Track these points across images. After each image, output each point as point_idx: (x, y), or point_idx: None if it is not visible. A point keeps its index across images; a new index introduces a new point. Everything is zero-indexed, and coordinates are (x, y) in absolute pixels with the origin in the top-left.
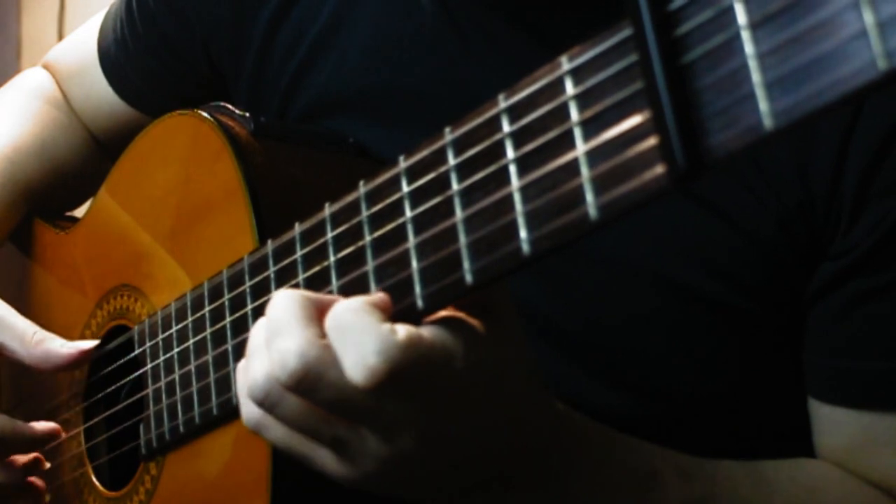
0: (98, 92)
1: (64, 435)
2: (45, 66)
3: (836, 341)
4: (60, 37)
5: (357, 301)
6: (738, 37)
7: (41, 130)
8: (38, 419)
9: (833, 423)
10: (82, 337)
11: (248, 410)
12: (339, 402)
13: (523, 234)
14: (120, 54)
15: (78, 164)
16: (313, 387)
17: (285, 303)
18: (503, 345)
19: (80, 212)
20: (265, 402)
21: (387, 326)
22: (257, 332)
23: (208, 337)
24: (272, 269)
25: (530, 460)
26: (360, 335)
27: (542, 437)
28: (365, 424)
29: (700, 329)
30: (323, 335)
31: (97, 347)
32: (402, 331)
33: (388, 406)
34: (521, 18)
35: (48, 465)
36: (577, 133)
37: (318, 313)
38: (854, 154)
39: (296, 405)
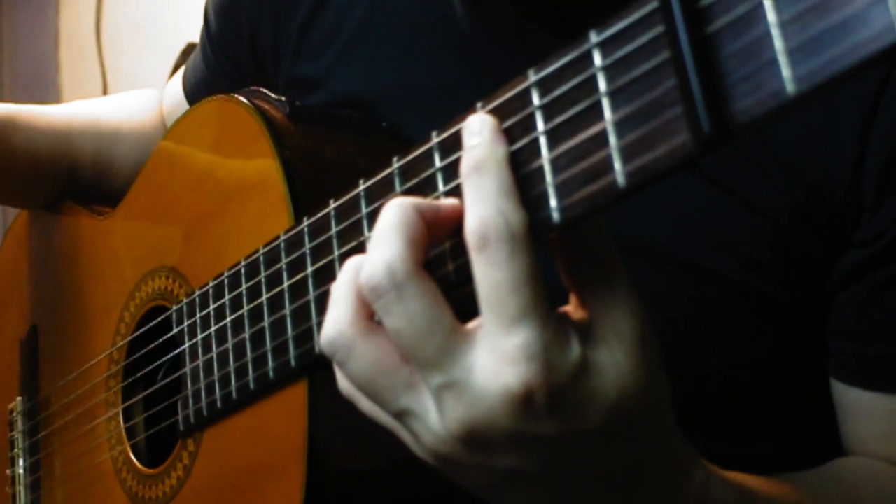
0: None
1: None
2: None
3: (864, 327)
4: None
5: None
6: (760, 6)
7: (119, 126)
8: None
9: (862, 407)
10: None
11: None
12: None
13: (553, 202)
14: (201, 84)
15: (126, 171)
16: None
17: (391, 213)
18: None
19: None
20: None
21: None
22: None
23: (245, 314)
24: (308, 246)
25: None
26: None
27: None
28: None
29: (723, 311)
30: (421, 258)
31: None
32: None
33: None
34: (553, 21)
35: None
36: (606, 104)
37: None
38: (876, 140)
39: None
